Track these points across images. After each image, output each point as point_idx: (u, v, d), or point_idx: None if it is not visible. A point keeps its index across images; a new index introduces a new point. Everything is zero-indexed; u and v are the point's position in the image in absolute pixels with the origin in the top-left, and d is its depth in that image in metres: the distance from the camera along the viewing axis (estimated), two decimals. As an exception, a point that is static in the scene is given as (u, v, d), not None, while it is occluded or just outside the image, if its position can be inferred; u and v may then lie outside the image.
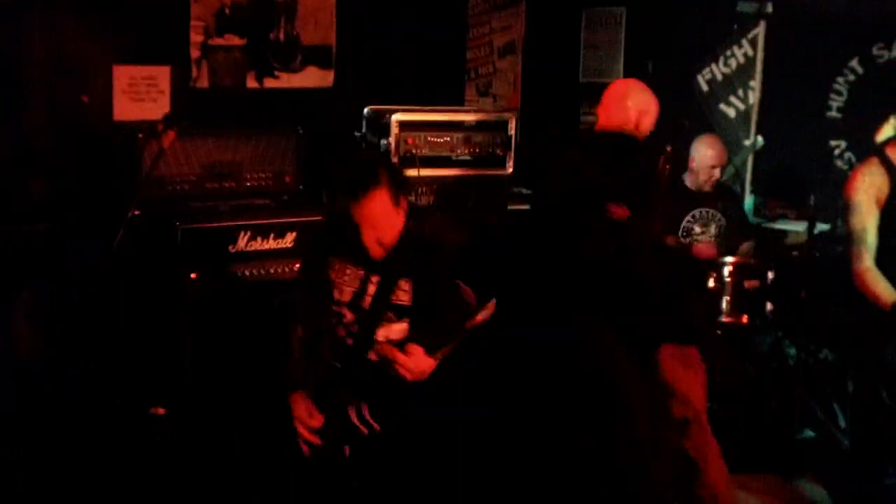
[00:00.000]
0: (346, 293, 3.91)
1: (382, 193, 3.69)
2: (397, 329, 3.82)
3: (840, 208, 5.20)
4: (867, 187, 4.55)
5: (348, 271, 3.92)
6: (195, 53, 5.99)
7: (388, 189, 3.70)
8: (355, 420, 3.75)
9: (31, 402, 4.71)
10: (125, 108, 5.65)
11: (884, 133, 4.65)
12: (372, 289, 3.87)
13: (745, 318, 5.09)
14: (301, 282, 4.26)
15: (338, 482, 3.80)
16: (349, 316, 3.90)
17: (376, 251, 3.79)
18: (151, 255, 4.91)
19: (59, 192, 5.25)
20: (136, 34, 5.64)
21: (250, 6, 6.17)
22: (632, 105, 4.51)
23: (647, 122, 4.53)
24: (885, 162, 4.56)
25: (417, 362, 3.66)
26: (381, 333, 3.81)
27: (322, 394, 3.86)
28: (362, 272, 3.89)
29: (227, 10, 6.06)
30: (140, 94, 5.72)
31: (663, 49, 7.20)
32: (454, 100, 7.08)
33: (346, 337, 3.90)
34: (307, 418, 3.81)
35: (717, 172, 5.83)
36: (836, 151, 6.44)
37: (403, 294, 3.83)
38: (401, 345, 3.73)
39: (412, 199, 5.41)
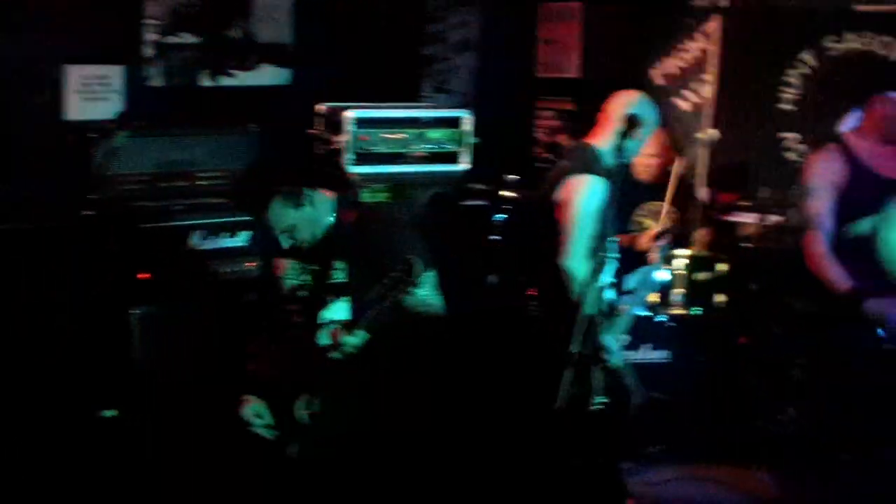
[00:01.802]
0: (289, 286, 4.01)
1: (278, 204, 3.81)
2: None
3: (792, 198, 5.26)
4: (825, 172, 4.60)
5: (288, 266, 4.01)
6: (149, 52, 5.96)
7: (283, 199, 3.80)
8: (302, 418, 3.77)
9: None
10: (78, 108, 5.61)
11: (846, 123, 4.69)
12: (310, 277, 3.94)
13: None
14: (253, 282, 4.32)
15: (294, 480, 3.81)
16: (294, 307, 3.96)
17: (303, 246, 3.90)
18: (104, 254, 4.88)
19: (10, 193, 5.21)
20: (89, 33, 5.61)
21: (205, 4, 6.14)
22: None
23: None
24: (844, 149, 4.60)
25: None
26: None
27: (278, 391, 3.88)
28: (300, 263, 3.97)
29: (181, 9, 6.03)
30: (93, 94, 5.69)
31: (619, 43, 7.24)
32: (411, 97, 7.08)
33: (293, 329, 3.96)
34: (254, 418, 3.84)
35: (651, 161, 5.84)
36: (789, 143, 6.49)
37: (339, 274, 3.89)
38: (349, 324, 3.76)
39: (368, 195, 5.45)
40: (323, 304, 3.92)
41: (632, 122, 4.05)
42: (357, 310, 3.80)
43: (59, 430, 4.63)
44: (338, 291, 3.92)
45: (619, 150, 3.97)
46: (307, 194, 3.85)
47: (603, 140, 4.54)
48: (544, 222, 4.43)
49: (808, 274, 4.69)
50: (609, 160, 4.43)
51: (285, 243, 3.85)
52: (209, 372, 4.67)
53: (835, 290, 4.50)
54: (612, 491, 4.58)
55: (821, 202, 4.58)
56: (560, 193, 4.41)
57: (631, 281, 4.91)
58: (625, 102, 4.58)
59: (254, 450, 3.85)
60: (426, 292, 3.77)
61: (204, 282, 5.02)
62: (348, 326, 3.68)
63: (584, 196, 4.31)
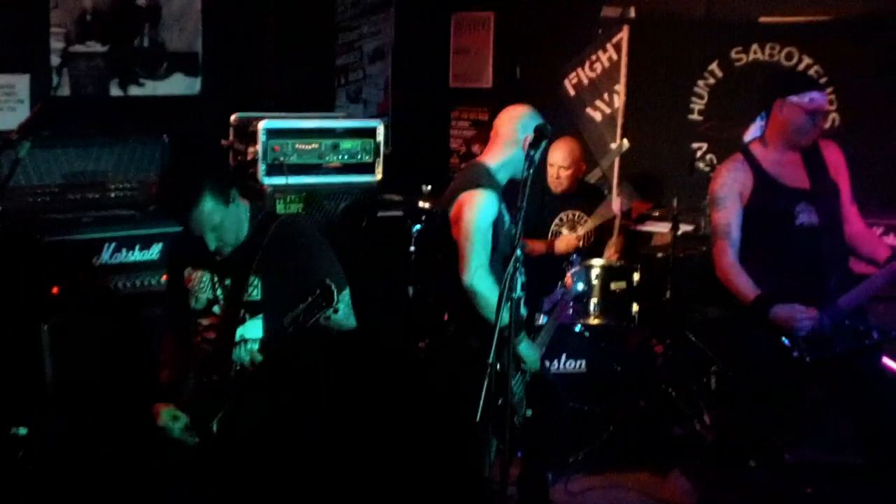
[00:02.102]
0: (201, 300, 3.94)
1: (208, 199, 3.73)
2: None
3: (703, 207, 5.33)
4: (732, 183, 4.62)
5: (202, 278, 3.94)
6: (56, 61, 5.85)
7: (212, 193, 3.74)
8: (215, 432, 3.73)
9: None
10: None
11: (750, 133, 4.74)
12: (224, 292, 3.87)
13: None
14: (164, 295, 4.25)
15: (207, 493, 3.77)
16: (206, 321, 3.92)
17: (224, 252, 3.84)
18: (12, 268, 4.77)
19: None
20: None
21: (112, 12, 6.04)
22: (520, 130, 4.52)
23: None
24: (749, 159, 4.65)
25: None
26: None
27: (191, 407, 3.83)
28: (214, 276, 3.91)
29: (88, 17, 5.93)
30: (-3, 104, 5.57)
31: (531, 53, 7.30)
32: (325, 106, 7.05)
33: (206, 343, 3.91)
34: (171, 423, 3.79)
35: (561, 172, 5.90)
36: (699, 153, 6.60)
37: (254, 290, 3.85)
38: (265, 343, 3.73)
39: (282, 206, 5.40)
40: (238, 320, 3.88)
41: (541, 133, 4.05)
42: (271, 328, 3.77)
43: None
44: (252, 308, 3.88)
45: (528, 160, 3.95)
46: (235, 192, 3.81)
47: (493, 156, 4.52)
48: (444, 242, 4.41)
49: (718, 282, 4.75)
50: (502, 176, 4.44)
51: (212, 244, 3.78)
52: (120, 383, 4.59)
53: (741, 299, 4.56)
54: (536, 500, 4.60)
55: (727, 212, 4.63)
56: (453, 212, 4.37)
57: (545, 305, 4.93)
58: (516, 116, 4.57)
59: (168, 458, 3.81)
60: (341, 311, 3.74)
61: (113, 295, 4.92)
62: (262, 347, 3.65)
63: (476, 210, 4.28)
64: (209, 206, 3.74)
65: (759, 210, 4.59)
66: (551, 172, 5.90)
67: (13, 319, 4.75)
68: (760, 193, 4.58)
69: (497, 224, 4.29)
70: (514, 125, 4.46)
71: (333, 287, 3.49)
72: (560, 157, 5.89)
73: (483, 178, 4.37)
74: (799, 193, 4.56)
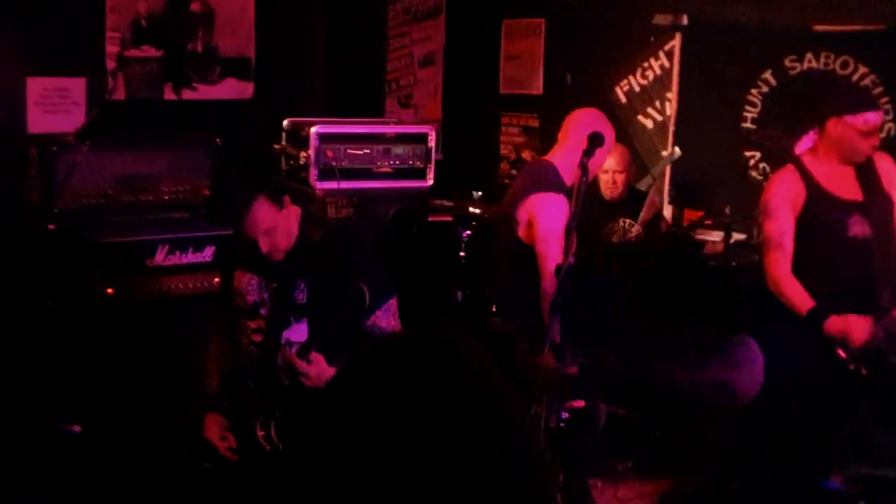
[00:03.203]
0: (249, 301, 3.96)
1: (262, 202, 3.74)
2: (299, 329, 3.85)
3: (756, 215, 5.29)
4: (784, 193, 4.60)
5: (250, 281, 3.96)
6: (111, 65, 5.92)
7: (266, 197, 3.76)
8: (261, 439, 3.73)
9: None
10: (39, 121, 5.55)
11: (802, 145, 4.71)
12: (271, 294, 3.91)
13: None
14: (216, 297, 4.27)
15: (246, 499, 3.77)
16: (253, 324, 3.93)
17: (276, 256, 3.84)
18: (67, 270, 4.82)
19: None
20: (50, 45, 5.56)
21: (167, 17, 6.10)
22: (589, 133, 4.53)
23: (602, 152, 4.56)
24: (802, 170, 4.62)
25: (319, 371, 3.63)
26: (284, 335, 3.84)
27: (236, 411, 3.84)
28: (262, 279, 3.94)
29: (143, 21, 5.99)
30: (54, 106, 5.63)
31: (582, 60, 7.28)
32: (375, 111, 7.08)
33: (253, 345, 3.93)
34: (218, 440, 3.80)
35: (616, 177, 5.89)
36: (751, 162, 6.55)
37: (300, 294, 3.86)
38: (304, 347, 3.72)
39: (333, 211, 5.43)
40: (285, 323, 3.89)
41: (594, 141, 4.05)
42: (314, 333, 3.78)
43: (24, 446, 4.56)
44: (299, 311, 3.89)
45: (582, 167, 3.96)
46: (287, 197, 3.83)
47: (561, 157, 4.52)
48: (504, 240, 4.41)
49: (772, 292, 4.72)
50: (567, 177, 4.44)
51: (264, 248, 3.80)
52: (171, 390, 4.63)
53: (796, 311, 4.52)
54: None
55: (780, 222, 4.61)
56: (521, 212, 4.37)
57: None
58: (583, 120, 4.57)
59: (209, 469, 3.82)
60: (383, 318, 3.74)
61: (167, 297, 4.97)
62: (302, 351, 3.65)
63: (553, 214, 4.29)
64: (263, 210, 3.76)
65: (811, 221, 4.56)
66: (606, 178, 5.89)
67: (67, 320, 4.81)
68: (813, 204, 4.55)
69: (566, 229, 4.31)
70: (584, 128, 4.48)
71: (365, 291, 3.47)
72: (614, 162, 5.88)
73: (553, 180, 4.38)
74: (852, 205, 4.53)
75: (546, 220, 4.29)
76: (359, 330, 3.65)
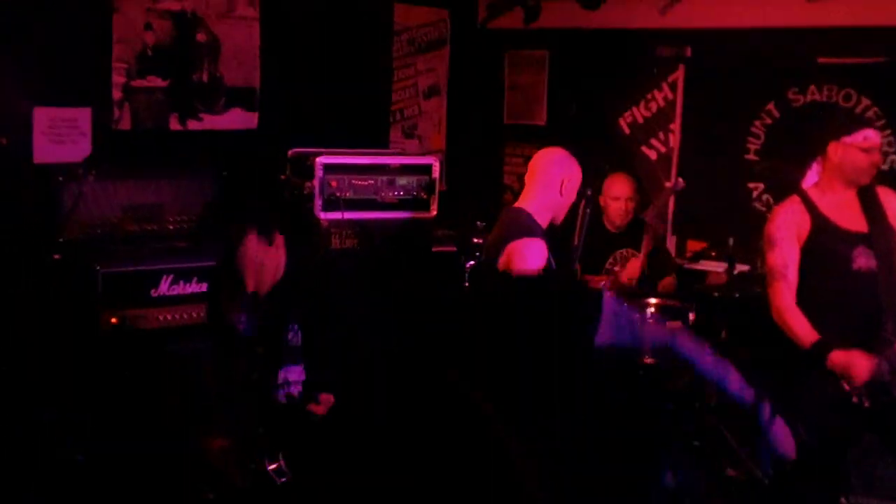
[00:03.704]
0: (244, 339, 3.94)
1: (252, 239, 3.78)
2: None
3: (759, 247, 5.29)
4: (788, 224, 4.61)
5: (242, 316, 3.95)
6: (117, 95, 5.93)
7: (257, 233, 3.79)
8: (270, 472, 3.72)
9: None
10: (45, 150, 5.56)
11: (808, 179, 4.74)
12: (263, 333, 3.90)
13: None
14: (210, 328, 4.26)
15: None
16: (251, 360, 3.92)
17: (261, 291, 3.86)
18: (72, 299, 4.83)
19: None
20: (57, 75, 5.57)
21: (173, 47, 6.12)
22: (557, 173, 4.58)
23: (571, 189, 4.61)
24: (807, 201, 4.63)
25: (328, 406, 3.64)
26: None
27: (242, 442, 3.84)
28: (254, 316, 3.92)
29: (149, 52, 6.02)
30: (61, 136, 5.64)
31: (586, 92, 7.31)
32: (379, 142, 7.10)
33: (251, 382, 3.91)
34: (224, 465, 3.79)
35: (628, 205, 5.92)
36: (755, 193, 6.56)
37: (294, 336, 3.86)
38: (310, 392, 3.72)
39: (337, 241, 5.43)
40: (279, 363, 3.89)
41: (598, 171, 4.08)
42: (317, 377, 3.78)
43: (27, 473, 4.56)
44: (294, 354, 3.88)
45: (587, 200, 3.99)
46: (279, 234, 3.84)
47: (532, 201, 4.55)
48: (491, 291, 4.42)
49: (776, 324, 4.71)
50: (542, 219, 4.48)
51: (250, 285, 3.80)
52: (175, 420, 4.62)
53: (800, 342, 4.52)
54: None
55: (784, 254, 4.61)
56: (501, 261, 4.39)
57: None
58: (554, 159, 4.61)
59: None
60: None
61: (170, 326, 4.97)
62: (309, 397, 3.64)
63: (528, 260, 4.30)
64: (252, 247, 3.76)
65: (815, 253, 4.56)
66: (617, 206, 5.91)
67: (72, 349, 4.81)
68: (817, 236, 4.56)
69: (547, 270, 4.32)
70: (552, 168, 4.52)
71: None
72: (625, 190, 5.93)
73: (528, 225, 4.40)
74: (857, 237, 4.53)
75: (521, 263, 4.29)
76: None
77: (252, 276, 3.81)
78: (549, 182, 4.54)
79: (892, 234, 4.56)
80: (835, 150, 4.53)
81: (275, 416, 3.80)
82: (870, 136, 4.50)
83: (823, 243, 4.56)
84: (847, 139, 4.49)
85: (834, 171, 4.56)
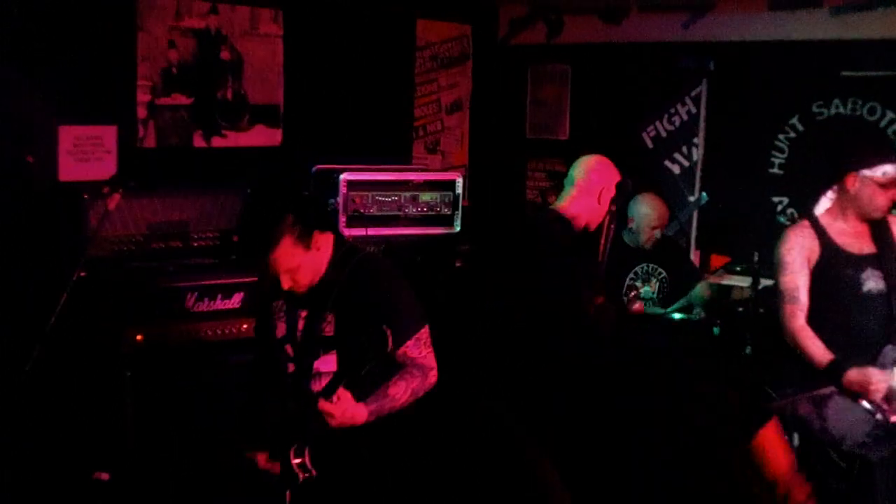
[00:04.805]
0: (281, 329, 3.95)
1: (286, 243, 3.71)
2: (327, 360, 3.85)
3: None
4: (799, 248, 4.65)
5: (283, 309, 3.95)
6: (142, 113, 5.97)
7: (291, 237, 3.72)
8: (294, 465, 3.71)
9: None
10: (70, 169, 5.60)
11: (820, 205, 4.74)
12: (301, 324, 3.90)
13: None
14: (251, 342, 4.27)
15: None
16: (287, 352, 3.92)
17: (298, 290, 3.83)
18: (97, 316, 4.85)
19: (2, 254, 5.18)
20: (82, 93, 5.61)
21: (197, 65, 6.16)
22: (598, 180, 4.60)
23: (608, 199, 4.61)
24: (816, 226, 4.67)
25: (344, 409, 3.60)
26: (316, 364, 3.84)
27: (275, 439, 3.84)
28: (293, 308, 3.92)
29: (173, 70, 6.05)
30: (86, 154, 5.68)
31: (608, 106, 7.31)
32: (402, 157, 7.12)
33: (286, 376, 3.92)
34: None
35: (657, 234, 5.90)
36: (779, 207, 6.54)
37: (328, 326, 3.85)
38: (330, 386, 3.69)
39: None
40: (314, 354, 3.89)
41: (621, 190, 4.10)
42: (341, 369, 3.76)
43: (55, 493, 4.57)
44: (327, 344, 3.88)
45: (611, 216, 4.01)
46: (324, 236, 3.81)
47: (571, 205, 4.59)
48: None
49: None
50: (577, 224, 4.51)
51: (285, 284, 3.78)
52: (201, 436, 4.63)
53: (814, 363, 4.54)
54: None
55: (795, 276, 4.64)
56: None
57: None
58: (594, 167, 4.64)
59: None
60: (413, 349, 3.76)
61: (195, 343, 4.98)
62: (328, 390, 3.62)
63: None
64: (285, 251, 3.74)
65: (826, 277, 4.61)
66: (645, 231, 5.87)
67: (97, 367, 4.83)
68: (827, 260, 4.61)
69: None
70: (593, 175, 4.54)
71: (388, 334, 3.45)
72: (654, 217, 5.87)
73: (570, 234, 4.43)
74: (865, 259, 4.58)
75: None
76: (389, 361, 3.65)
77: (285, 278, 3.77)
78: (590, 188, 4.58)
79: None
80: (853, 182, 4.54)
81: (307, 408, 3.77)
82: (889, 172, 4.48)
83: (833, 268, 4.62)
84: (866, 172, 4.49)
85: (849, 202, 4.58)
